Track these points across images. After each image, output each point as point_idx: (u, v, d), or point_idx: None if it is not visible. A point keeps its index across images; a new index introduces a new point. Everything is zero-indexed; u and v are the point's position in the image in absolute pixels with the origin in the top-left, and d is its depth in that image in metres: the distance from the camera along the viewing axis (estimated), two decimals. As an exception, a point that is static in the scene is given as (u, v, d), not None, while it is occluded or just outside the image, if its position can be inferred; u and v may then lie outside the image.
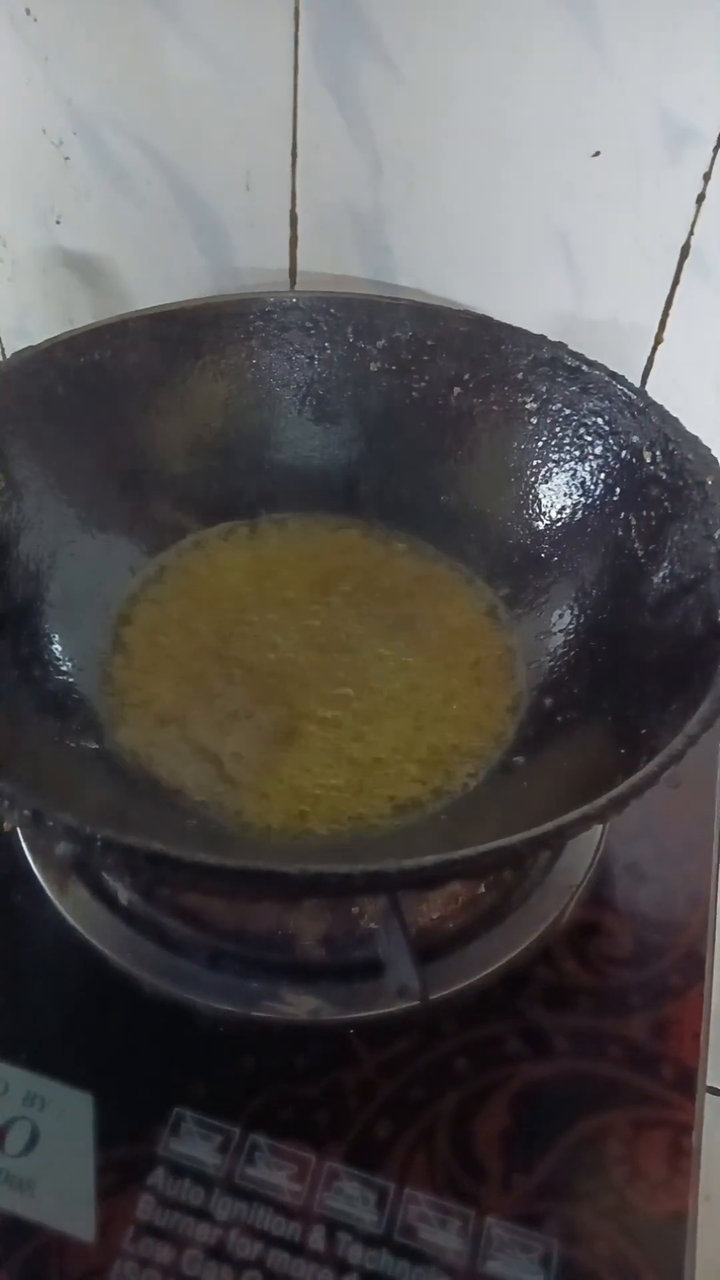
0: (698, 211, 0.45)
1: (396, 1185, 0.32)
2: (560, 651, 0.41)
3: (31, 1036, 0.34)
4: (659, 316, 0.49)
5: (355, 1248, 0.31)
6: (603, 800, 0.26)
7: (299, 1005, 0.35)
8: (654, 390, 0.50)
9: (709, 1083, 0.37)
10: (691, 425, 0.40)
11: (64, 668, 0.38)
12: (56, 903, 0.37)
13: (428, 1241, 0.31)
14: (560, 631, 0.41)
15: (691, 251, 0.47)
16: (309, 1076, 0.34)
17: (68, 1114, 0.33)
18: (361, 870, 0.24)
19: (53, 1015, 0.36)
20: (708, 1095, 0.37)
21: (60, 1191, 0.31)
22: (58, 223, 0.57)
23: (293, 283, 0.55)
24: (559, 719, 0.38)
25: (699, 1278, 0.32)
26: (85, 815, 0.25)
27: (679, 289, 0.48)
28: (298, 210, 0.52)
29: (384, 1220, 0.31)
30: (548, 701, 0.39)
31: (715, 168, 0.44)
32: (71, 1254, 0.30)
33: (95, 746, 0.37)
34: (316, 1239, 0.31)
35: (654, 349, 0.50)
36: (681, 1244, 0.32)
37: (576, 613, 0.41)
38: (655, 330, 0.50)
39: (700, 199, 0.45)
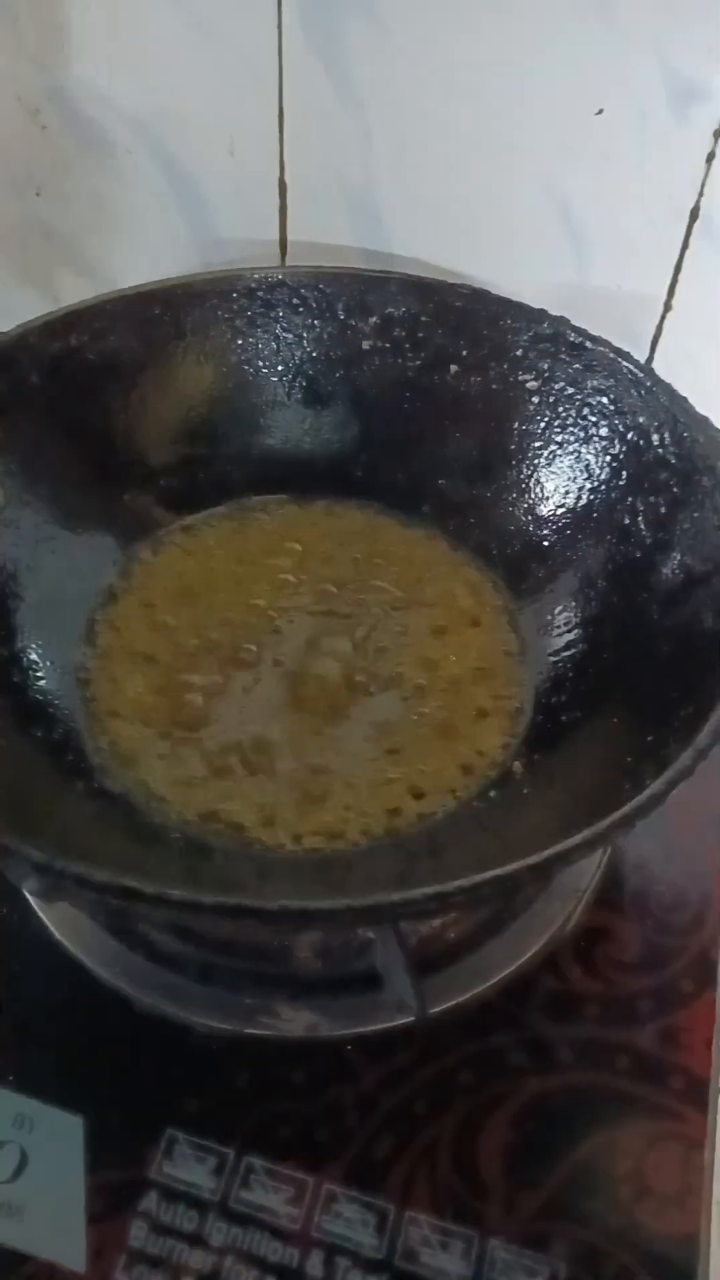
0: (708, 171, 0.43)
1: (397, 1207, 0.31)
2: (565, 645, 0.39)
3: (18, 1057, 0.33)
4: (668, 283, 0.47)
5: (355, 1273, 0.30)
6: (605, 823, 0.24)
7: (295, 1021, 0.34)
8: (664, 361, 0.48)
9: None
10: (703, 398, 0.38)
11: (44, 674, 0.37)
12: (42, 916, 0.36)
13: (430, 1265, 0.30)
14: (565, 624, 0.39)
15: (701, 214, 0.44)
16: (305, 1094, 0.33)
17: (57, 1137, 0.32)
18: (346, 905, 0.23)
19: (40, 1034, 0.34)
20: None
21: (50, 1218, 0.31)
22: (37, 195, 0.55)
23: (284, 254, 0.52)
24: (563, 718, 0.36)
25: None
26: (58, 842, 0.24)
27: (688, 254, 0.46)
28: (286, 178, 0.50)
29: (384, 1244, 0.30)
30: (552, 699, 0.37)
31: (726, 124, 0.42)
32: (62, 1283, 0.30)
33: (77, 760, 0.35)
34: (315, 1265, 0.30)
35: (663, 317, 0.48)
36: (694, 1265, 0.31)
37: (582, 604, 0.39)
38: (664, 298, 0.47)
39: (710, 158, 0.42)
